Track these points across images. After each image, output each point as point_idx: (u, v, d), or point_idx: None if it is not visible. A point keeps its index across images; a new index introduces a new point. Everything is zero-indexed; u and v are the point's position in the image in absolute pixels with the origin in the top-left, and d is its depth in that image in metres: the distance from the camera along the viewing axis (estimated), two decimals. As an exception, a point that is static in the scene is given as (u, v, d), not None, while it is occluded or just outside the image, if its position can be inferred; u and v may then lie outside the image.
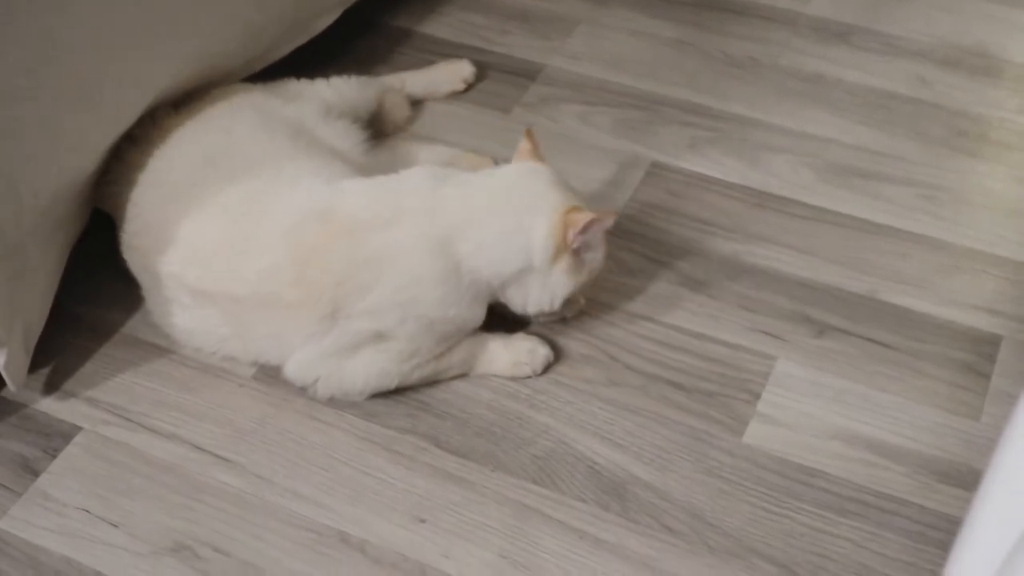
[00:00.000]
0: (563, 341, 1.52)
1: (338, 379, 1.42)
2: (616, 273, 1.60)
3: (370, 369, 1.41)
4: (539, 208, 1.41)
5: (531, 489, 1.36)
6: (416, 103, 1.87)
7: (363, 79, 1.77)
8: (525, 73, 1.94)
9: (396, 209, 1.39)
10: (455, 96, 1.90)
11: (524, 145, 1.50)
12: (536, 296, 1.44)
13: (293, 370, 1.42)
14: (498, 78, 1.93)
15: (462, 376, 1.48)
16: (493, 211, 1.42)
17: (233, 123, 1.53)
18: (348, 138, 1.61)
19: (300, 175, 1.46)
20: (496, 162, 1.73)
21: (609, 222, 1.42)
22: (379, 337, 1.39)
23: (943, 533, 1.30)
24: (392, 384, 1.44)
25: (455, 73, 1.90)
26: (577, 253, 1.42)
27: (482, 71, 1.94)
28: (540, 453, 1.40)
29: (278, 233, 1.40)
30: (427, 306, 1.38)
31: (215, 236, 1.42)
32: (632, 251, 1.64)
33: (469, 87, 1.91)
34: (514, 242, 1.40)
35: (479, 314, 1.44)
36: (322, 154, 1.53)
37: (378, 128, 1.77)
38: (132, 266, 1.51)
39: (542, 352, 1.48)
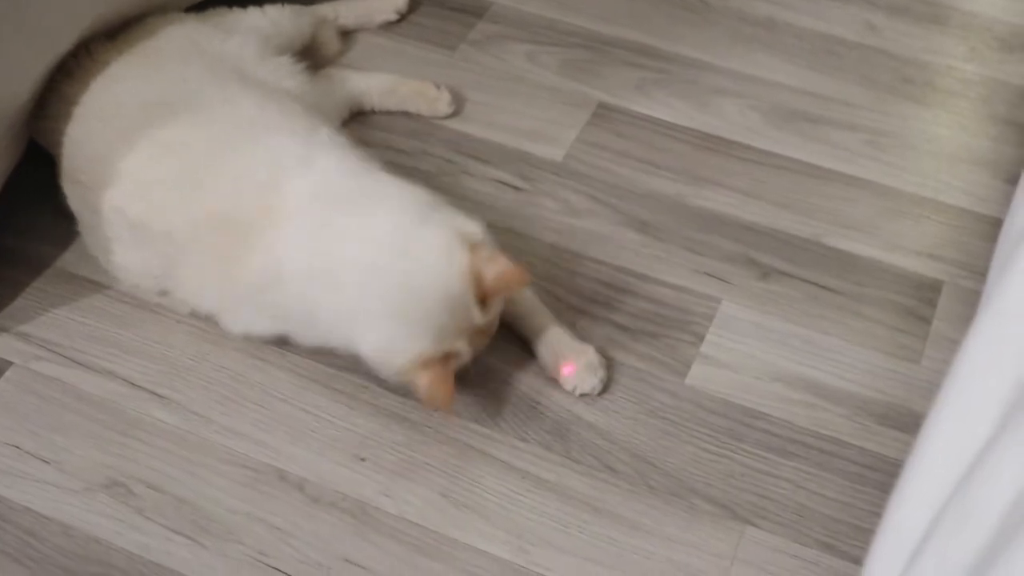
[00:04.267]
0: (507, 281, 1.50)
1: (276, 336, 1.39)
2: (561, 213, 1.59)
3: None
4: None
5: (473, 429, 1.35)
6: (352, 37, 1.84)
7: (296, 8, 1.71)
8: (472, 10, 1.91)
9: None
10: (400, 32, 1.86)
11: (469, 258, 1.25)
12: None
13: (230, 327, 1.40)
14: (444, 15, 1.90)
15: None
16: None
17: (187, 67, 1.46)
18: (291, 75, 1.55)
19: (264, 131, 1.38)
20: (438, 87, 1.70)
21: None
22: None
23: (882, 474, 1.31)
24: None
25: (387, 2, 1.86)
26: None
27: (428, 7, 1.90)
28: (483, 393, 1.39)
29: (224, 191, 1.34)
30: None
31: (163, 173, 1.37)
32: (577, 192, 1.62)
33: (402, 18, 1.87)
34: None
35: None
36: (280, 104, 1.44)
37: (308, 61, 1.72)
38: (72, 201, 1.46)
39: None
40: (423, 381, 1.24)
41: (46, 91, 1.46)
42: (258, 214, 1.30)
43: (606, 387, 1.39)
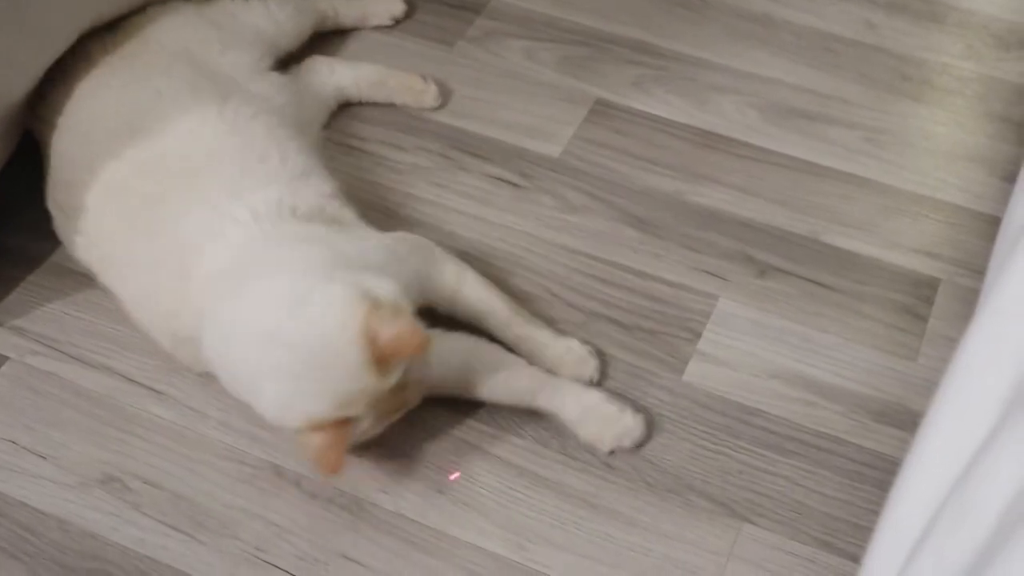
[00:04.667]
0: (504, 277, 1.50)
1: None
2: (559, 210, 1.59)
3: None
4: None
5: (471, 425, 1.35)
6: (351, 31, 1.84)
7: (299, 4, 1.70)
8: (470, 6, 1.91)
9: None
10: (399, 28, 1.85)
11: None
12: None
13: None
14: (442, 11, 1.89)
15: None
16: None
17: (168, 79, 1.41)
18: (280, 91, 1.52)
19: (211, 198, 1.29)
20: (425, 79, 1.70)
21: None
22: None
23: (879, 472, 1.31)
24: None
25: (386, 8, 1.85)
26: None
27: (427, 3, 1.90)
28: (480, 389, 1.39)
29: (160, 261, 1.28)
30: None
31: (112, 225, 1.33)
32: (575, 188, 1.62)
33: (396, 23, 1.86)
34: None
35: None
36: (245, 135, 1.37)
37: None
38: (54, 218, 1.43)
39: None
40: (313, 444, 1.15)
41: (47, 88, 1.44)
42: (178, 292, 1.26)
43: (602, 382, 1.39)
